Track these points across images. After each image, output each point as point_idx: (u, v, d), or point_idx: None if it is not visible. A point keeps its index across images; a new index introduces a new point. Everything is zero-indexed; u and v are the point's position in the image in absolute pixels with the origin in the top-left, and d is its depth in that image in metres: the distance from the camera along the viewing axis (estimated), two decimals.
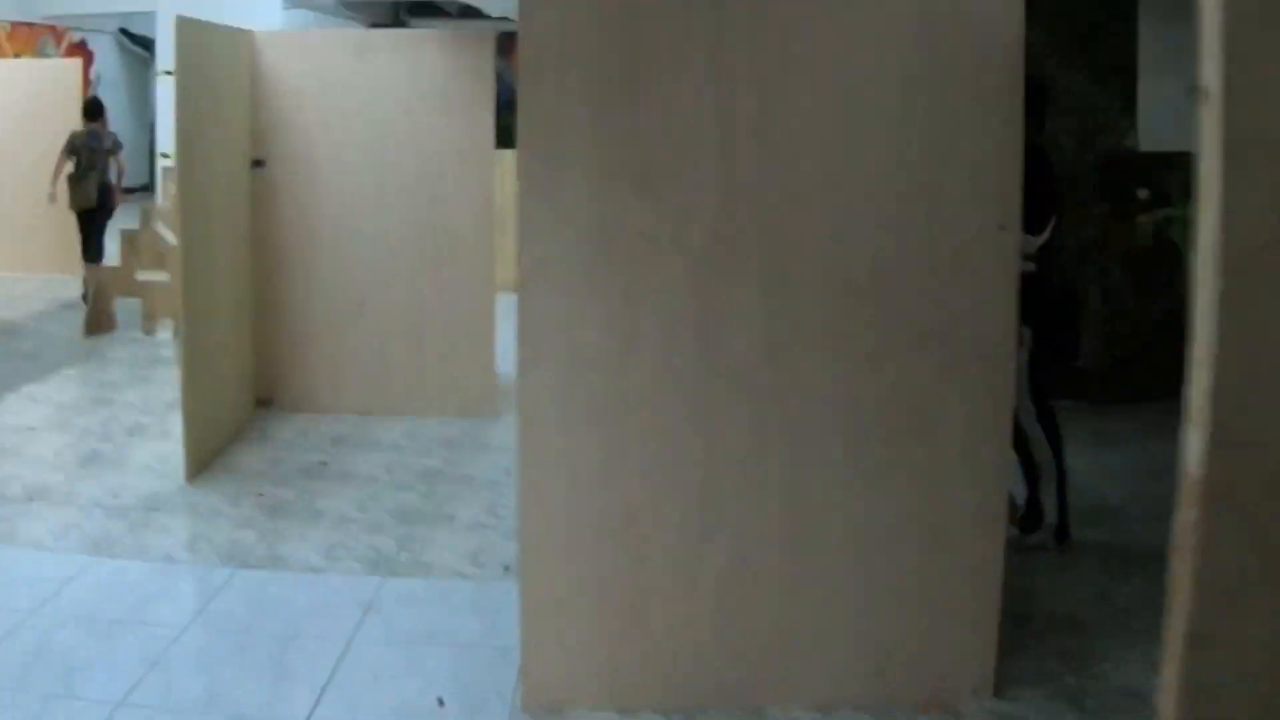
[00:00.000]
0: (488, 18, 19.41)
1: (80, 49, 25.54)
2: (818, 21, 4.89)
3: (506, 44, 11.06)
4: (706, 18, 4.85)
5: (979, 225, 4.92)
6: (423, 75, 9.33)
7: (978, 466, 5.08)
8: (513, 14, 17.57)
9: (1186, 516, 2.35)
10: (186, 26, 7.81)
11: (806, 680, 5.15)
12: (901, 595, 5.13)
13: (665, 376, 4.93)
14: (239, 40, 9.10)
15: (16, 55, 22.73)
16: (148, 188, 26.91)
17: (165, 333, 12.22)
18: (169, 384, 10.23)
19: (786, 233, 4.89)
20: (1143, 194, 10.32)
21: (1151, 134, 10.84)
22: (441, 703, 5.17)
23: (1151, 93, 10.51)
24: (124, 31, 26.94)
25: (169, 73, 15.66)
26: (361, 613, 6.02)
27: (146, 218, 12.36)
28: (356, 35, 9.92)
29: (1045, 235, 6.65)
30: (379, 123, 9.33)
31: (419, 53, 9.34)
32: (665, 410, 4.96)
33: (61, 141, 13.00)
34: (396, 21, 25.93)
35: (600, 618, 5.09)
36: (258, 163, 9.30)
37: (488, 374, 9.57)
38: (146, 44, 26.63)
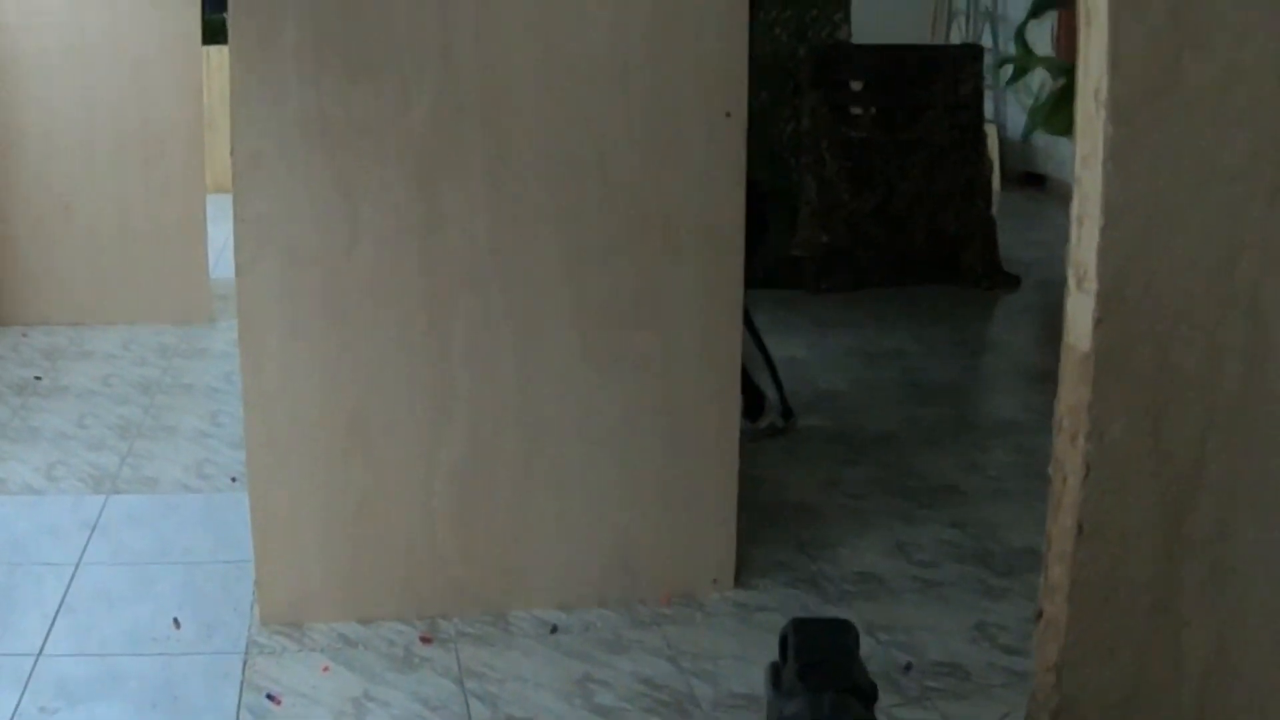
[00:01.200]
0: None
1: None
2: None
3: None
4: None
5: (704, 112, 4.89)
6: None
7: (710, 355, 5.08)
8: None
9: (1075, 397, 2.22)
10: None
11: (548, 578, 5.13)
12: (640, 487, 5.12)
13: (389, 272, 4.79)
14: None
15: None
16: None
17: None
18: None
19: (509, 120, 4.77)
20: (856, 85, 10.46)
21: (864, 26, 11.01)
22: (178, 624, 5.01)
23: None
24: None
25: None
26: (87, 534, 5.79)
27: None
28: None
29: None
30: (81, 18, 8.88)
31: None
32: (391, 306, 4.83)
33: None
34: None
35: (334, 525, 4.97)
36: None
37: (200, 278, 9.29)
38: None
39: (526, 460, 5.01)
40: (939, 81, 10.36)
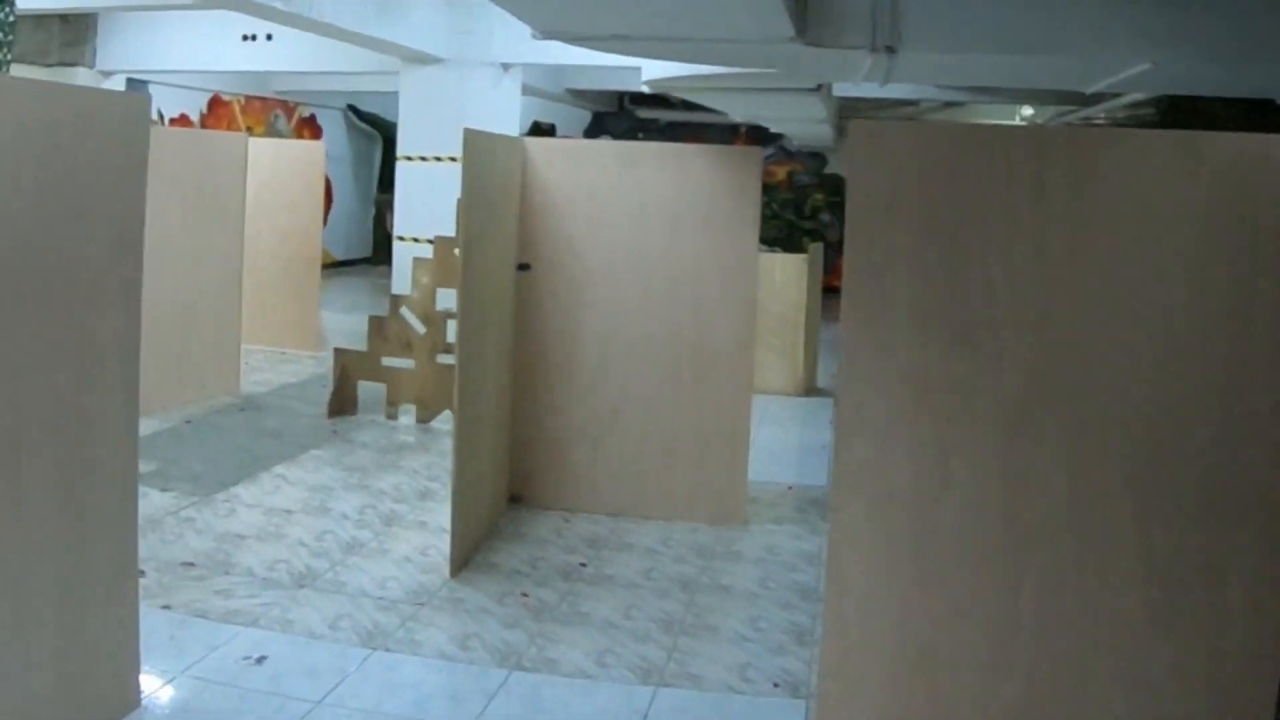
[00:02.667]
0: (710, 110, 19.72)
1: (309, 124, 26.33)
2: (1129, 201, 5.10)
3: None
4: (1028, 186, 5.07)
5: (1277, 387, 5.06)
6: (688, 188, 9.48)
7: (1260, 619, 5.19)
8: (758, 119, 17.70)
9: None
10: (474, 138, 8.04)
11: None
12: None
13: (971, 520, 5.13)
14: (515, 148, 9.41)
15: (249, 128, 23.49)
16: (370, 260, 27.70)
17: (407, 419, 12.56)
18: (417, 472, 10.59)
19: (1093, 389, 5.09)
20: None
21: None
22: None
23: None
24: (351, 108, 27.70)
25: (409, 158, 16.25)
26: None
27: (395, 305, 12.69)
28: (625, 146, 10.16)
29: None
30: (643, 233, 9.53)
31: (685, 166, 9.51)
32: (970, 552, 5.17)
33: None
34: (621, 109, 26.45)
35: None
36: (524, 266, 9.56)
37: (739, 483, 9.63)
38: (374, 121, 27.42)
39: (1078, 707, 5.20)
40: None
